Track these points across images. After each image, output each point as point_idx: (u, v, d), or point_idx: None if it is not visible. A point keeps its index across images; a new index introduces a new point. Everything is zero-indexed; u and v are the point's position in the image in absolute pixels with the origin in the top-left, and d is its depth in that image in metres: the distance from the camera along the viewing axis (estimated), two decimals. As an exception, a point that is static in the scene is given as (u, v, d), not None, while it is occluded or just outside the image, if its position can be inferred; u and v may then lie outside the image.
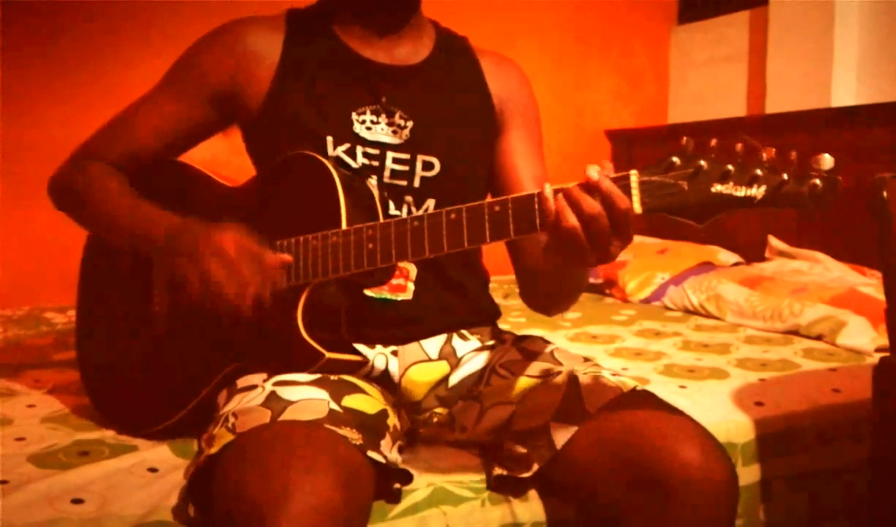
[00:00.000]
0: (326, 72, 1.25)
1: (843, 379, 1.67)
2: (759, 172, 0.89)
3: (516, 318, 2.29)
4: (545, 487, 1.19)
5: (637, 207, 0.93)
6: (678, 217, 0.92)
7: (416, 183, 1.24)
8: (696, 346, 2.00)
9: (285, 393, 1.10)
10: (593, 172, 0.93)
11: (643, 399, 1.13)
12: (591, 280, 2.83)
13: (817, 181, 0.88)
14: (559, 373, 1.19)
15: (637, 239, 3.16)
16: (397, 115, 1.24)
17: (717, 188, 0.90)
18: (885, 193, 1.23)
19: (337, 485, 0.92)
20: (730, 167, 0.90)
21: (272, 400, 1.08)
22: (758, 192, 0.89)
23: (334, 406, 1.09)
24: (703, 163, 0.90)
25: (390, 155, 1.23)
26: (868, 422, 1.32)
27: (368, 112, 1.23)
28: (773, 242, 2.77)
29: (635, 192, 0.92)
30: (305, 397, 1.10)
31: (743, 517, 1.38)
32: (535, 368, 1.22)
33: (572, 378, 1.16)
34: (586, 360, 1.26)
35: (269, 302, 1.12)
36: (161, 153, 1.31)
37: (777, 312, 2.16)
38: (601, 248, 0.94)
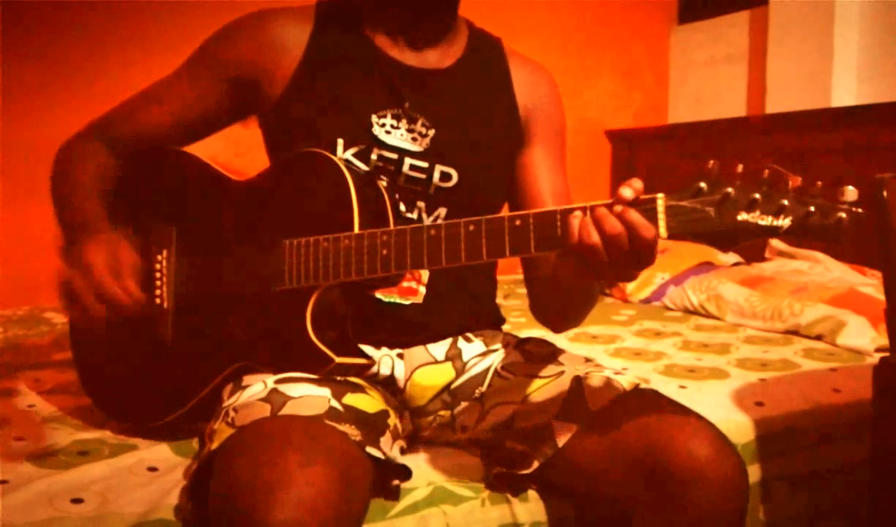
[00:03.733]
0: (350, 70, 1.22)
1: (843, 379, 1.67)
2: (785, 202, 0.88)
3: (516, 318, 2.28)
4: (544, 486, 1.19)
5: (662, 231, 0.92)
6: (702, 243, 0.92)
7: (432, 190, 1.22)
8: (696, 346, 2.00)
9: (287, 389, 1.10)
10: (627, 192, 0.92)
11: (648, 396, 1.12)
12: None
13: (843, 214, 0.87)
14: (562, 373, 1.18)
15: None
16: (419, 123, 1.21)
17: (744, 216, 0.89)
18: (885, 193, 1.23)
19: (333, 479, 0.92)
20: (757, 196, 0.88)
21: (273, 395, 1.08)
22: (784, 222, 0.88)
23: (335, 404, 1.09)
24: (730, 190, 0.89)
25: (408, 161, 1.21)
26: (868, 422, 1.32)
27: (389, 116, 1.20)
28: (773, 242, 2.76)
29: (661, 216, 0.91)
30: (306, 393, 1.10)
31: (743, 517, 1.38)
32: (538, 369, 1.21)
33: (575, 377, 1.16)
34: (588, 361, 1.25)
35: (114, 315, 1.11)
36: (171, 137, 1.29)
37: (777, 312, 2.16)
38: (621, 267, 0.93)
